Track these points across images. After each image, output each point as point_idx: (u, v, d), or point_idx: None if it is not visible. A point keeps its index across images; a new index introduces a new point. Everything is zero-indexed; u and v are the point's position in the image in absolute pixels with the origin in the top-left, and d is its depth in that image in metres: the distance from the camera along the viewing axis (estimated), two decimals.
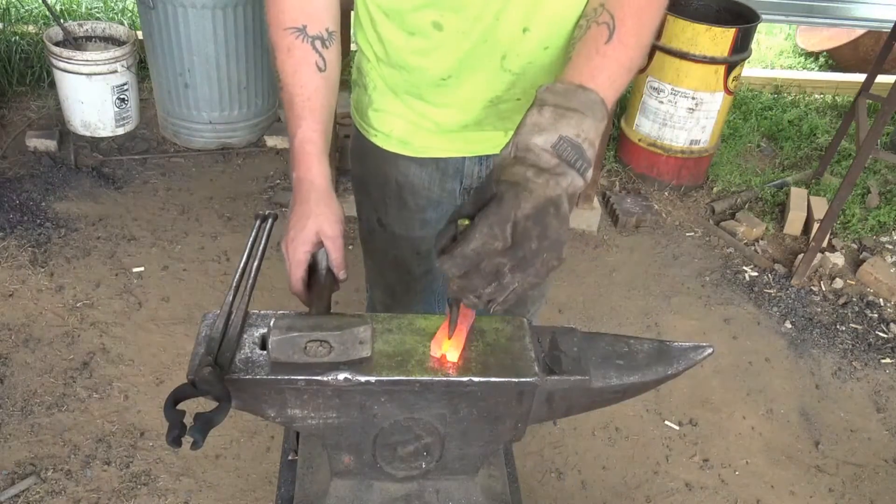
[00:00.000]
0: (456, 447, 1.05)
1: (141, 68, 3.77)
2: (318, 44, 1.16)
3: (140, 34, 3.69)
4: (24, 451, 2.22)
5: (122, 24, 3.84)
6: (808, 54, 5.47)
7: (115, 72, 3.50)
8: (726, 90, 3.45)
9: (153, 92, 3.70)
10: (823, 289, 3.22)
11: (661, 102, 3.53)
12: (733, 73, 3.41)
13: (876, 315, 3.11)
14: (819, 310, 3.12)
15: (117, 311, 2.72)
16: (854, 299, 3.18)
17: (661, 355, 1.06)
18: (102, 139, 3.65)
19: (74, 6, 4.53)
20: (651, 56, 3.49)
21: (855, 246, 3.50)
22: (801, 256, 3.24)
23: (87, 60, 3.42)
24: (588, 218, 3.41)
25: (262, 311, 1.03)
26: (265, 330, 0.98)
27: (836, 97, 4.80)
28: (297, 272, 1.09)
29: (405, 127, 1.35)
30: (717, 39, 3.30)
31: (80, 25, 3.70)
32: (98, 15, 4.47)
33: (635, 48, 1.05)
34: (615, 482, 2.35)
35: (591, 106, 0.93)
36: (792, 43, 5.63)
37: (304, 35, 1.15)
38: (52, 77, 3.58)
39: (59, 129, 3.62)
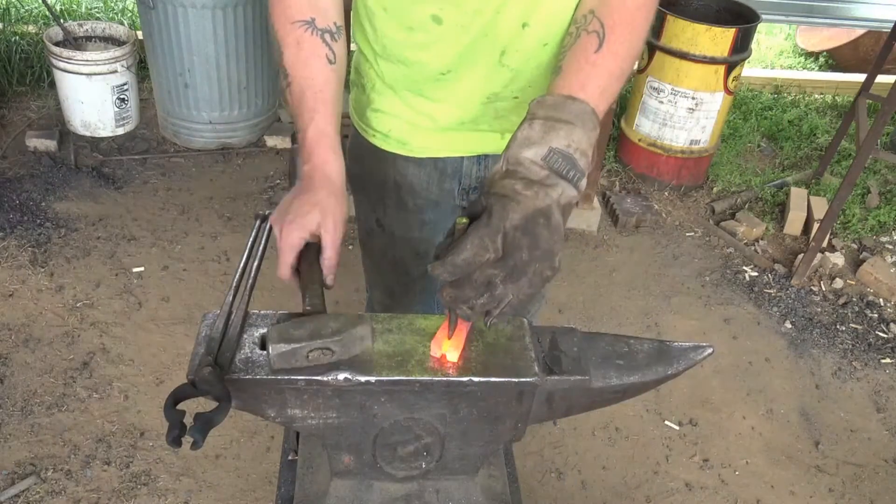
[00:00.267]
0: (456, 447, 1.05)
1: (141, 68, 3.77)
2: (327, 37, 1.15)
3: (140, 34, 3.69)
4: (24, 451, 2.22)
5: (122, 24, 3.85)
6: (808, 54, 5.47)
7: (115, 72, 3.50)
8: (726, 90, 3.45)
9: (153, 92, 3.70)
10: (823, 289, 3.22)
11: (661, 102, 3.53)
12: (733, 73, 3.41)
13: (876, 315, 3.11)
14: (819, 310, 3.12)
15: (117, 311, 2.72)
16: (854, 299, 3.18)
17: (661, 355, 1.06)
18: (102, 139, 3.65)
19: (74, 6, 4.53)
20: (651, 56, 3.49)
21: (855, 246, 3.50)
22: (801, 256, 3.24)
23: (87, 60, 3.42)
24: (588, 218, 3.41)
25: (262, 311, 1.02)
26: (265, 330, 0.98)
27: (836, 97, 4.80)
28: (288, 257, 1.03)
29: (404, 127, 1.36)
30: (717, 39, 3.30)
31: (80, 25, 3.70)
32: (98, 15, 4.47)
33: (625, 57, 1.05)
34: (615, 482, 2.35)
35: (582, 116, 0.93)
36: (792, 43, 5.63)
37: (313, 28, 1.14)
38: (52, 77, 3.59)
39: (59, 129, 3.62)
